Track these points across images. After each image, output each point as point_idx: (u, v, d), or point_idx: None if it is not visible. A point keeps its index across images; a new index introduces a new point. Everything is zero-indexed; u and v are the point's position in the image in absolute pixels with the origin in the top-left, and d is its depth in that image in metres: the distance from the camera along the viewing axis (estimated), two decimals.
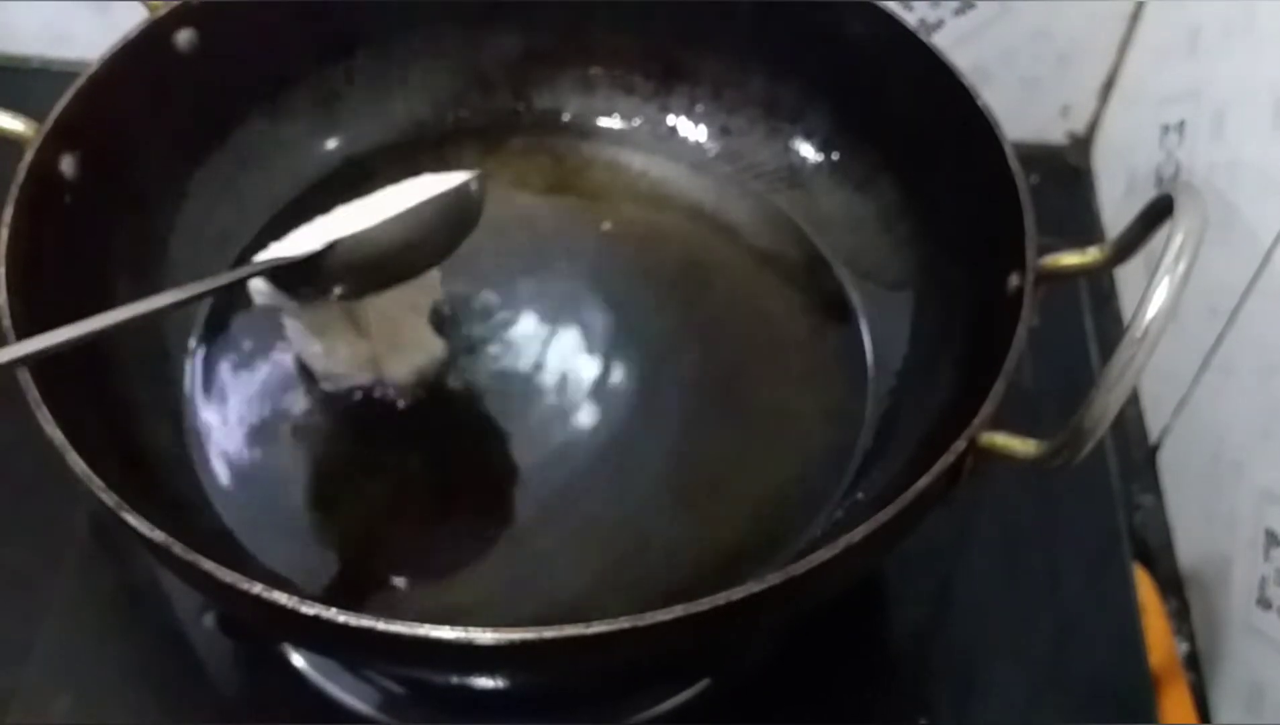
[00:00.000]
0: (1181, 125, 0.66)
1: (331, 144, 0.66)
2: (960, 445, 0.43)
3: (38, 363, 0.44)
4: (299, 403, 0.57)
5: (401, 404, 0.57)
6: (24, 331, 0.46)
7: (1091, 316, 0.70)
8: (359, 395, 0.57)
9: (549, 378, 0.59)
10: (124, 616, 0.58)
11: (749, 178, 0.67)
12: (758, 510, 0.55)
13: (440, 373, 0.58)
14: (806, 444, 0.57)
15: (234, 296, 0.60)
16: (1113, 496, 0.63)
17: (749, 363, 0.60)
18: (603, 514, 0.54)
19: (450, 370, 0.58)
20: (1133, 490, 0.66)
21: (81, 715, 0.54)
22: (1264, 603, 0.56)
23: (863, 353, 0.60)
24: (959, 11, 0.74)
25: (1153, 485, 0.67)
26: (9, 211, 0.48)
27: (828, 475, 0.55)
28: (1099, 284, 0.73)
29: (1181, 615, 0.62)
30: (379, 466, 0.55)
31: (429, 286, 0.56)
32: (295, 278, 0.50)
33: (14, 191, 0.49)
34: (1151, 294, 0.39)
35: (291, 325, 0.55)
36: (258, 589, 0.39)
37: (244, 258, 0.62)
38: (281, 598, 0.39)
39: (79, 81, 0.53)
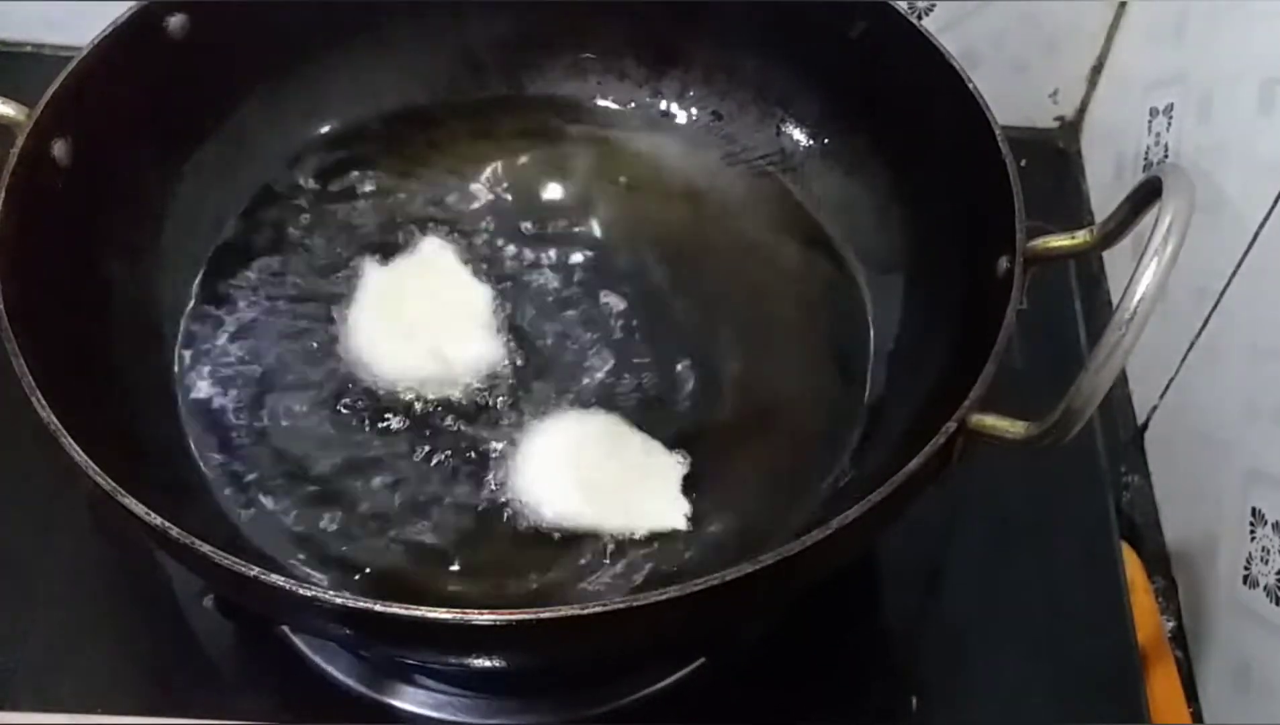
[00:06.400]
0: (1169, 109, 0.67)
1: (324, 127, 0.66)
2: (951, 426, 0.43)
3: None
4: (294, 386, 0.57)
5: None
6: (18, 316, 0.46)
7: (1080, 299, 0.70)
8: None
9: (543, 362, 0.59)
10: (123, 599, 0.58)
11: (741, 161, 0.67)
12: (753, 491, 0.55)
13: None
14: (801, 425, 0.57)
15: (223, 276, 0.61)
16: (1101, 476, 0.64)
17: (744, 345, 0.60)
18: None
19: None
20: (1120, 470, 0.67)
21: (81, 697, 0.54)
22: (1250, 581, 0.56)
23: (856, 335, 0.60)
24: None
25: (1140, 465, 0.67)
26: (1, 197, 0.48)
27: (821, 456, 0.56)
28: (1088, 266, 0.73)
29: (1168, 593, 0.63)
30: (371, 448, 0.55)
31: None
32: None
33: (6, 177, 0.49)
34: (1139, 276, 0.40)
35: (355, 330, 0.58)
36: (255, 572, 0.40)
37: (236, 243, 0.62)
38: (279, 580, 0.40)
39: (70, 66, 0.53)
